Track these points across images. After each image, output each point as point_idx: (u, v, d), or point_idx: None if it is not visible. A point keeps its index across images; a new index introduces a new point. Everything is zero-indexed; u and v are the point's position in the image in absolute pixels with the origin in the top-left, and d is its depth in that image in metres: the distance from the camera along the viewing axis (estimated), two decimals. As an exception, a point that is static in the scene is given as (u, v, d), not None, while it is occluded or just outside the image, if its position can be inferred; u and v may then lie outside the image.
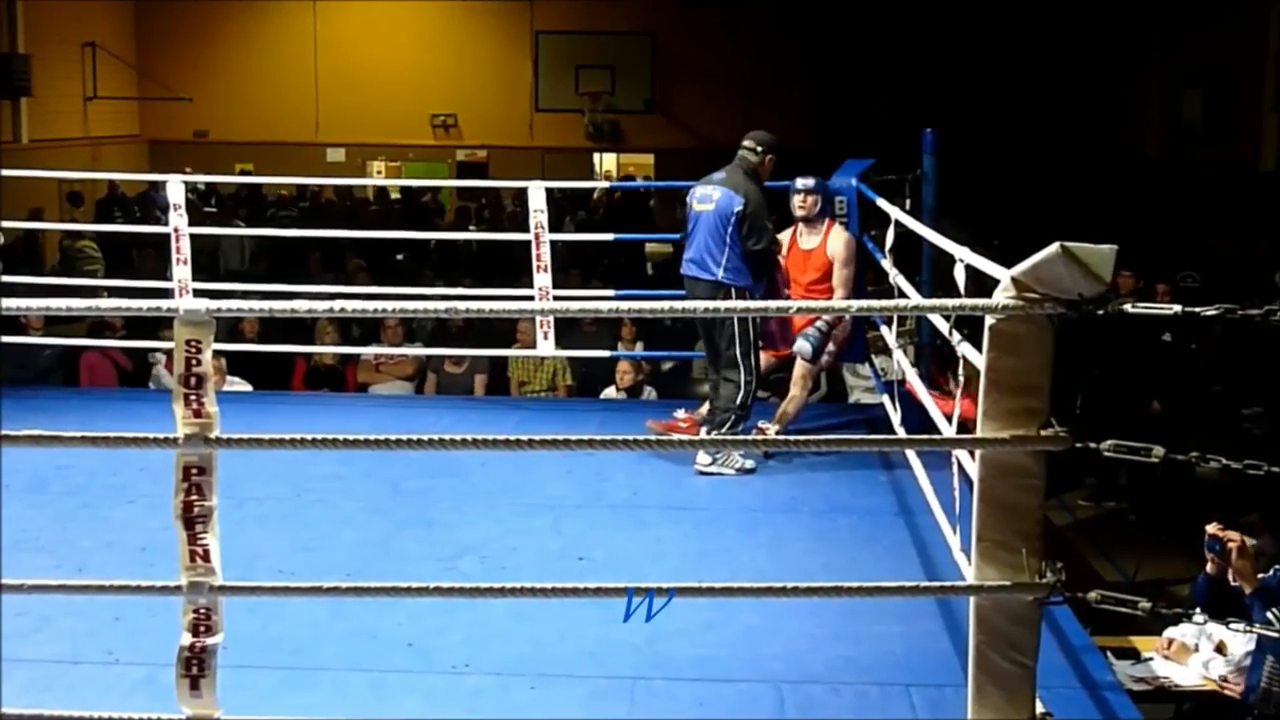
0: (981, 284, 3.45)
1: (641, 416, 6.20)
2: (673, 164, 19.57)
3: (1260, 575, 4.67)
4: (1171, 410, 8.67)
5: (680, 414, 6.17)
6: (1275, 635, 4.41)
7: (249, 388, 7.76)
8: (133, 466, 5.02)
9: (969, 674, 2.82)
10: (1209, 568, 4.91)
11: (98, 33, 20.07)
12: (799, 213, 6.09)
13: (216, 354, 3.31)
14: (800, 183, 6.09)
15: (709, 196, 5.77)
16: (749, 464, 5.67)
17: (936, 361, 6.57)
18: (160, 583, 2.86)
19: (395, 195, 19.00)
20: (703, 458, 5.63)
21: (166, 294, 6.83)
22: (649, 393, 8.14)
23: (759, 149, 5.88)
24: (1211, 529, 4.86)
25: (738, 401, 5.72)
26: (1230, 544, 4.71)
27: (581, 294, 8.37)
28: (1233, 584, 4.71)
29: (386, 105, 21.55)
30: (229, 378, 7.54)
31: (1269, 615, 4.55)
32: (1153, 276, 9.60)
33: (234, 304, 3.01)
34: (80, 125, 19.77)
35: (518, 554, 4.62)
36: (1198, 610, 3.02)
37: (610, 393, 8.02)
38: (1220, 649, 5.25)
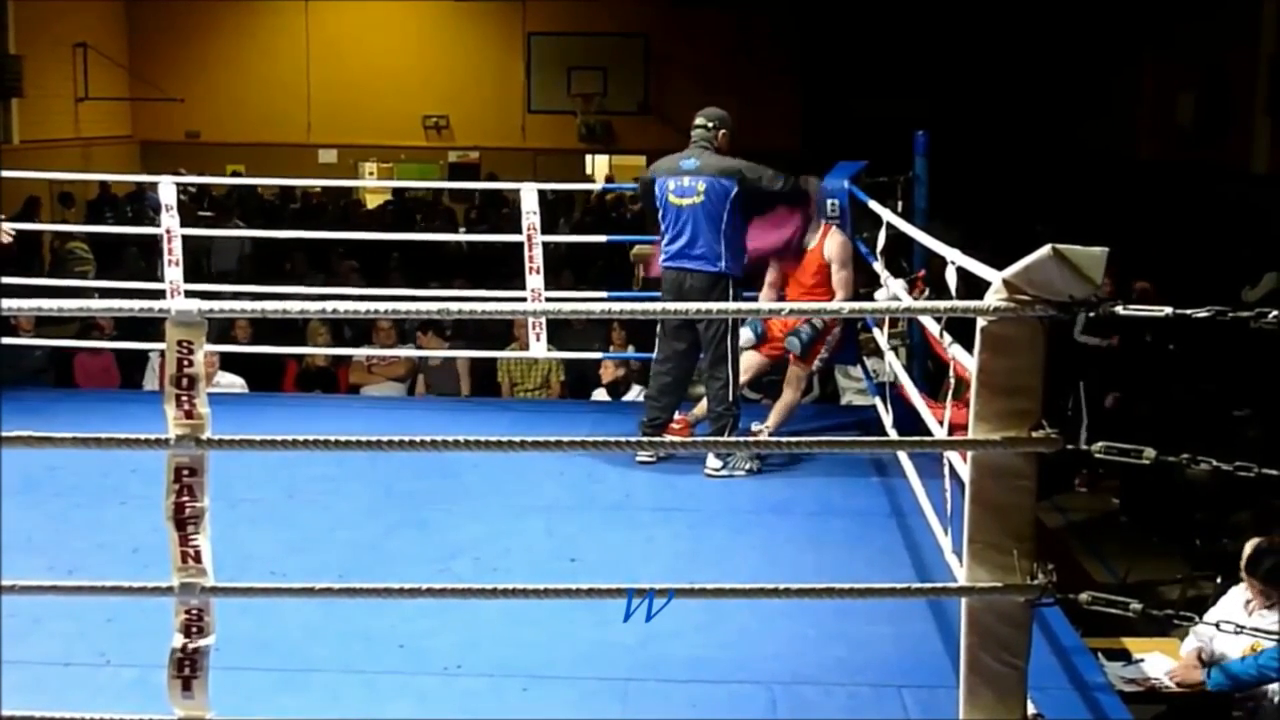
0: (973, 286, 3.46)
1: (634, 418, 6.19)
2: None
3: None
4: (1161, 411, 8.67)
5: (673, 415, 6.17)
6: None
7: (243, 384, 7.73)
8: (124, 468, 4.99)
9: (961, 675, 2.83)
10: None
11: (89, 33, 20.03)
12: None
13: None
14: None
15: (692, 189, 5.70)
16: (757, 464, 5.66)
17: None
18: (152, 584, 2.86)
19: (387, 197, 18.95)
20: (713, 462, 5.62)
21: (158, 295, 6.82)
22: (639, 392, 8.12)
23: (710, 125, 5.82)
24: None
25: (730, 398, 5.72)
26: None
27: (573, 295, 8.36)
28: None
29: (378, 106, 21.53)
30: (223, 374, 7.50)
31: None
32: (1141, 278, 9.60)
33: (226, 304, 3.01)
34: (71, 126, 19.73)
35: (510, 555, 4.62)
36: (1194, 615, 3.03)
37: (601, 394, 8.02)
38: None
